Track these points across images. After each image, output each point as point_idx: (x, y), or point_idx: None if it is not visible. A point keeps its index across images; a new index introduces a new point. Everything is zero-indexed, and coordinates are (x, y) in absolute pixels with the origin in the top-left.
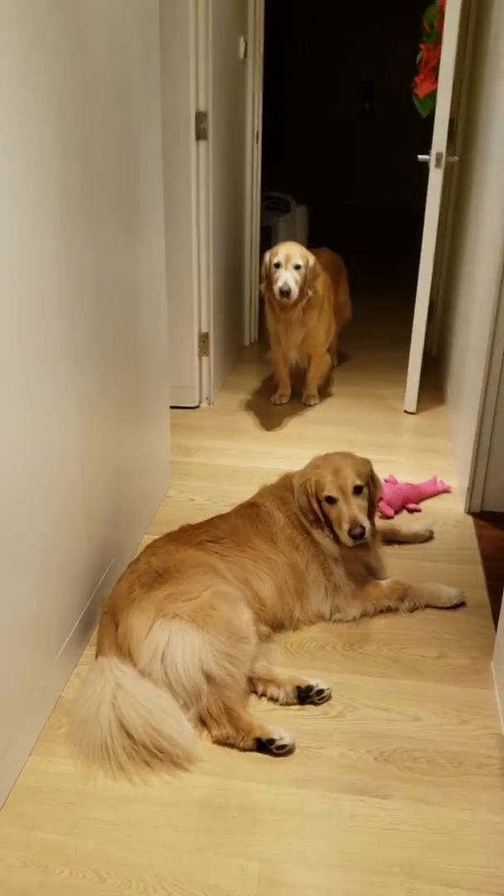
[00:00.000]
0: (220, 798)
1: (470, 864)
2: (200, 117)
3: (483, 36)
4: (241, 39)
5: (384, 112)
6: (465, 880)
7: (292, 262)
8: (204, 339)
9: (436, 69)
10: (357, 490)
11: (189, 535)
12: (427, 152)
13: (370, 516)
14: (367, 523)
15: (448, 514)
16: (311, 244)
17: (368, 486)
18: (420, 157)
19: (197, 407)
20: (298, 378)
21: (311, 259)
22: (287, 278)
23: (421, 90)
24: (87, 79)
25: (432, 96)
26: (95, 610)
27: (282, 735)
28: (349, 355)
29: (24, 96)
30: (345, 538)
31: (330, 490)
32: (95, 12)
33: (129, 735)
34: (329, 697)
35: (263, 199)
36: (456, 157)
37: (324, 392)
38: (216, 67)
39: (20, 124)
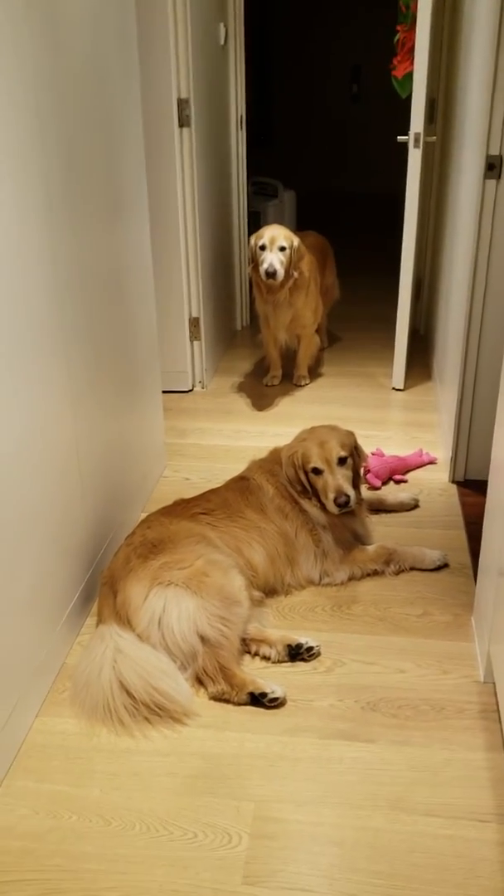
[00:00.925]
0: (216, 748)
1: (449, 796)
2: (183, 104)
3: (459, 15)
4: (222, 25)
5: (372, 95)
6: (444, 811)
7: (277, 243)
8: (195, 323)
9: (413, 50)
10: (341, 461)
11: (182, 508)
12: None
13: (355, 485)
14: (351, 492)
15: (433, 483)
16: (300, 228)
17: (352, 457)
18: (399, 137)
19: (190, 391)
20: (289, 359)
21: (296, 241)
22: (272, 260)
23: (399, 71)
24: (64, 67)
25: (410, 77)
26: (95, 582)
27: (274, 689)
28: (339, 336)
29: (0, 85)
30: (331, 507)
31: (316, 461)
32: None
33: (129, 694)
34: (318, 654)
35: (251, 184)
36: (434, 137)
37: (314, 372)
38: (196, 54)
39: None
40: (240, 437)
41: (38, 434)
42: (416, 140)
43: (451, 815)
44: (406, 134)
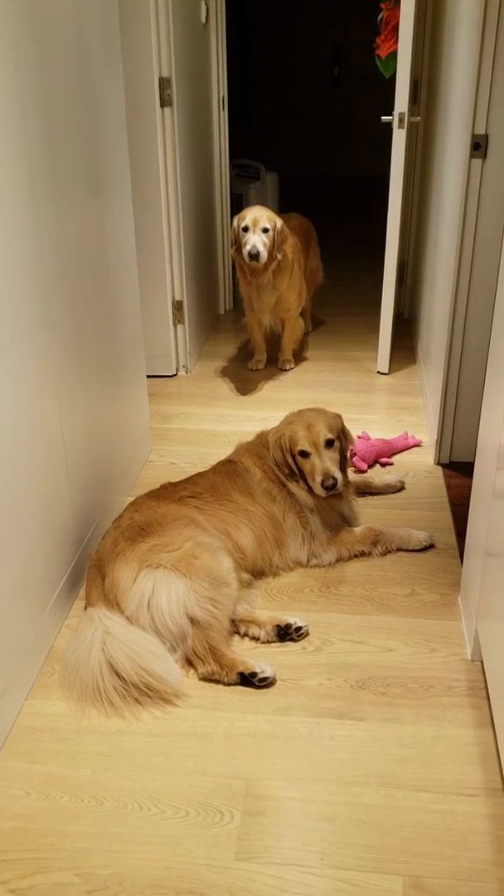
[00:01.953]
0: (207, 728)
1: (439, 771)
2: (164, 83)
3: None
4: (203, 3)
5: (352, 77)
6: (434, 785)
7: (260, 225)
8: (178, 307)
9: (396, 29)
10: (329, 443)
11: (170, 492)
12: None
13: (342, 468)
14: (338, 475)
15: (419, 466)
16: (283, 211)
17: (339, 440)
18: (384, 118)
19: (174, 375)
20: (274, 343)
21: (279, 222)
22: (255, 241)
23: (382, 50)
24: (44, 45)
25: (394, 56)
26: (82, 566)
27: (263, 668)
28: (323, 320)
29: None
30: (318, 489)
31: (303, 444)
32: None
33: (119, 676)
34: (307, 634)
35: (233, 166)
36: (419, 118)
37: (299, 356)
38: (178, 33)
39: None
40: (225, 421)
41: (23, 419)
42: (401, 120)
43: (441, 790)
44: (389, 114)
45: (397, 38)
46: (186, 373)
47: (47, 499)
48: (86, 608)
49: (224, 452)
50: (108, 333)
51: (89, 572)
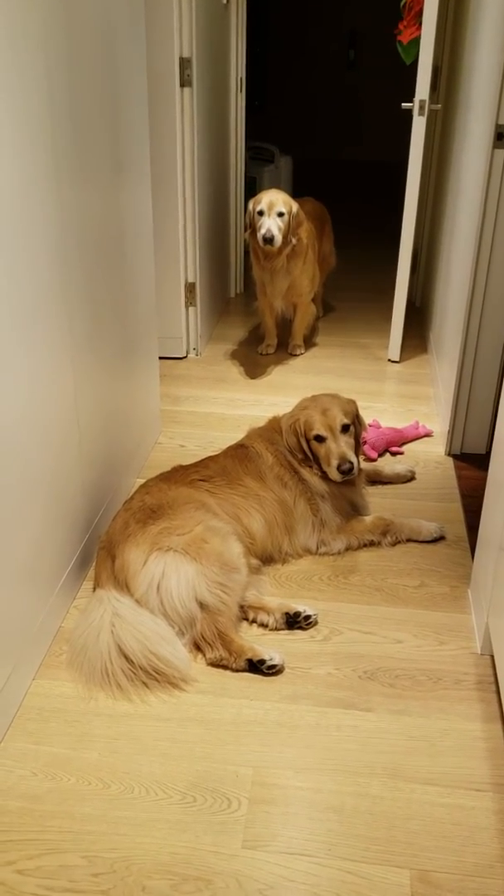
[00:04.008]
0: (214, 714)
1: (446, 765)
2: (185, 63)
3: None
4: None
5: (368, 62)
6: (441, 779)
7: (275, 209)
8: (191, 288)
9: (420, 14)
10: (344, 428)
11: (181, 475)
12: (411, 100)
13: (355, 454)
14: (354, 459)
15: (429, 456)
16: (296, 195)
17: (354, 425)
18: (404, 104)
19: (184, 357)
20: (284, 328)
21: (295, 206)
22: (270, 225)
23: (405, 36)
24: (72, 22)
25: (416, 42)
26: (92, 547)
27: (272, 656)
28: (334, 306)
29: (10, 41)
30: (334, 474)
31: (319, 429)
32: None
33: (127, 659)
34: (316, 623)
35: (247, 149)
36: (439, 105)
37: (309, 342)
38: (199, 12)
39: (6, 69)
40: (235, 405)
41: (42, 397)
42: (421, 108)
43: (449, 784)
44: (405, 101)
45: (420, 24)
46: (196, 355)
47: (61, 479)
48: (94, 589)
49: (233, 436)
50: (123, 314)
51: (99, 554)
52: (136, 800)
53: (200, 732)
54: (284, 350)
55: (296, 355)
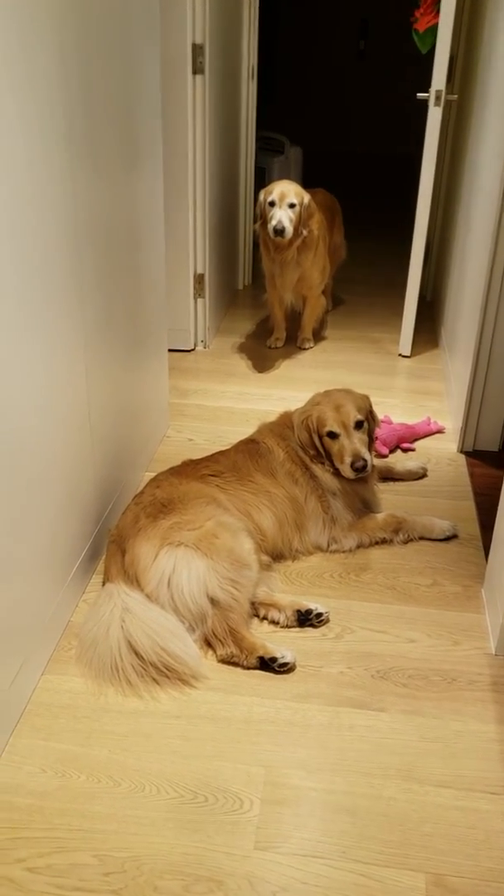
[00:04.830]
0: (225, 712)
1: (461, 767)
2: (197, 50)
3: None
4: None
5: (379, 52)
6: (456, 782)
7: (287, 200)
8: (199, 280)
9: (438, 2)
10: (358, 425)
11: (191, 469)
12: (425, 91)
13: (369, 451)
14: (368, 456)
15: (441, 453)
16: (306, 186)
17: (368, 421)
18: (419, 94)
19: (192, 350)
20: (293, 322)
21: (307, 198)
22: (281, 216)
23: (421, 24)
24: (85, 8)
25: (433, 31)
26: (101, 541)
27: (284, 654)
28: (343, 299)
29: (25, 25)
30: (347, 471)
31: (332, 425)
32: None
33: (137, 655)
34: (327, 620)
35: (257, 139)
36: (455, 96)
37: (318, 335)
38: None
39: (21, 52)
40: (243, 399)
41: (55, 387)
42: (438, 98)
43: (464, 787)
44: (416, 91)
45: (438, 11)
46: (204, 347)
47: (73, 471)
48: (104, 584)
49: (242, 431)
50: (134, 305)
51: (109, 547)
52: (147, 798)
53: (211, 730)
54: (293, 343)
55: (305, 349)
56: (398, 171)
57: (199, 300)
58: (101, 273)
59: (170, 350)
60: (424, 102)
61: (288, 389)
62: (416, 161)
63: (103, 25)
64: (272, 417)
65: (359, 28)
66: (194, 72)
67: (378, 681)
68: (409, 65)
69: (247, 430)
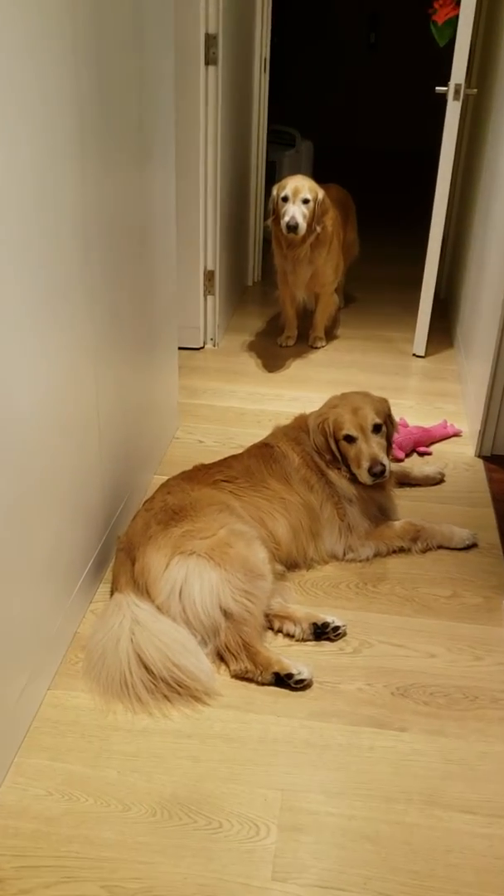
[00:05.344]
0: (240, 731)
1: (487, 792)
2: (210, 40)
3: None
4: None
5: (390, 45)
6: (482, 807)
7: (301, 195)
8: (210, 277)
9: None
10: (376, 428)
11: (203, 475)
12: (441, 84)
13: (386, 456)
14: (386, 461)
15: (459, 457)
16: (318, 181)
17: (386, 425)
18: (438, 88)
19: (202, 348)
20: (305, 320)
21: (321, 193)
22: (295, 212)
23: (440, 16)
24: None
25: (452, 23)
26: (109, 548)
27: (300, 669)
28: (356, 296)
29: (36, 13)
30: (364, 477)
31: (349, 429)
32: None
33: (148, 670)
34: (345, 634)
35: (268, 132)
36: (475, 90)
37: (330, 334)
38: None
39: (33, 41)
40: (254, 399)
41: (63, 390)
42: (457, 92)
43: (490, 813)
44: (428, 84)
45: (457, 3)
46: (214, 346)
47: (81, 475)
48: (112, 593)
49: (253, 432)
50: (144, 302)
51: (118, 556)
52: (159, 824)
53: (225, 751)
54: (305, 342)
55: (317, 348)
56: (411, 164)
57: (209, 297)
58: (111, 271)
59: (180, 348)
60: (439, 96)
61: (299, 390)
62: (430, 156)
63: (116, 14)
64: (284, 419)
65: (370, 20)
66: (207, 63)
67: (398, 698)
68: (421, 57)
69: (257, 432)
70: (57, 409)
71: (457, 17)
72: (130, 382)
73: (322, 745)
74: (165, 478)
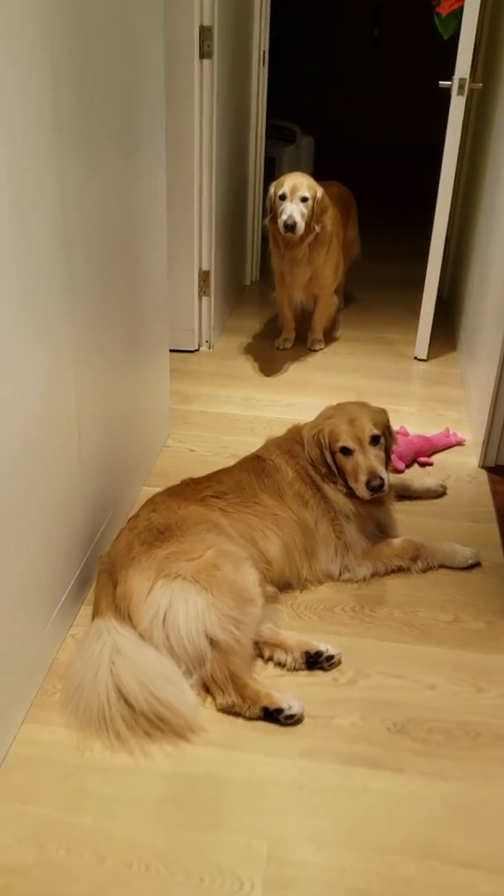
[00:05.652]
0: (224, 771)
1: (489, 843)
2: (205, 33)
3: None
4: None
5: (394, 38)
6: (484, 861)
7: (299, 193)
8: (205, 277)
9: None
10: (374, 440)
11: (191, 490)
12: (444, 78)
13: (385, 469)
14: (385, 475)
15: (461, 468)
16: (317, 177)
17: (385, 437)
18: (441, 83)
19: (196, 350)
20: (303, 321)
21: (320, 191)
22: (292, 211)
23: (444, 8)
24: None
25: (456, 14)
26: (92, 566)
27: (290, 704)
28: (356, 296)
29: (4, 4)
30: (362, 491)
31: (345, 440)
32: None
33: (127, 703)
34: (339, 663)
35: (267, 127)
36: (480, 84)
37: (330, 336)
38: None
39: (2, 37)
40: (249, 405)
41: (38, 397)
42: (461, 87)
43: (493, 868)
44: (433, 79)
45: None
46: (209, 348)
47: (60, 490)
48: (93, 617)
49: (246, 440)
50: (132, 304)
51: (99, 577)
52: (135, 878)
53: (209, 794)
54: (303, 344)
55: (315, 350)
56: (413, 160)
57: (205, 298)
58: (94, 272)
59: (173, 351)
60: (442, 90)
61: (296, 395)
62: (433, 151)
63: (97, 3)
64: (279, 426)
65: (372, 14)
66: (202, 56)
67: (395, 735)
68: (425, 51)
69: (252, 440)
70: (30, 420)
71: (461, 8)
72: (116, 388)
73: (313, 788)
74: (155, 489)
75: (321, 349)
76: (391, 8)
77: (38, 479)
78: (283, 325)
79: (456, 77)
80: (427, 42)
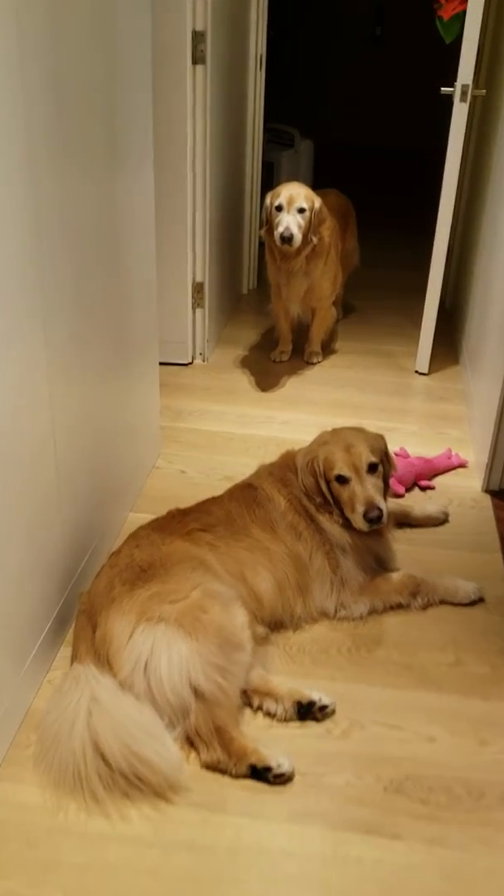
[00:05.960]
0: (208, 837)
1: None
2: (198, 38)
3: None
4: None
5: (397, 39)
6: None
7: (295, 204)
8: (198, 289)
9: None
10: (372, 468)
11: (177, 523)
12: (448, 83)
13: (384, 498)
14: (384, 505)
15: (464, 492)
16: (316, 182)
17: (383, 464)
18: (443, 89)
19: (189, 364)
20: (300, 332)
21: (317, 202)
22: (289, 222)
23: (446, 11)
24: None
25: (459, 18)
26: (73, 602)
27: (280, 762)
28: (355, 306)
29: None
30: (359, 522)
31: (341, 468)
32: None
33: (105, 760)
34: (333, 713)
35: (265, 131)
36: (483, 91)
37: (327, 348)
38: None
39: None
40: (243, 422)
41: (5, 421)
42: (464, 93)
43: None
44: (438, 80)
45: None
46: (203, 361)
47: (34, 520)
48: (72, 661)
49: (240, 461)
50: (116, 317)
51: (78, 618)
52: None
53: (190, 864)
54: (300, 357)
55: (312, 363)
56: (415, 166)
57: (198, 311)
58: (73, 284)
59: (165, 364)
60: (446, 95)
61: (292, 411)
62: (436, 154)
63: (73, 7)
64: (273, 445)
65: (374, 14)
66: (194, 62)
67: (391, 795)
68: (428, 52)
69: (246, 461)
70: None
71: (464, 12)
72: (98, 405)
73: (302, 856)
74: (143, 515)
75: (319, 362)
76: (393, 8)
77: (9, 512)
78: (280, 338)
79: (458, 83)
80: (430, 43)
